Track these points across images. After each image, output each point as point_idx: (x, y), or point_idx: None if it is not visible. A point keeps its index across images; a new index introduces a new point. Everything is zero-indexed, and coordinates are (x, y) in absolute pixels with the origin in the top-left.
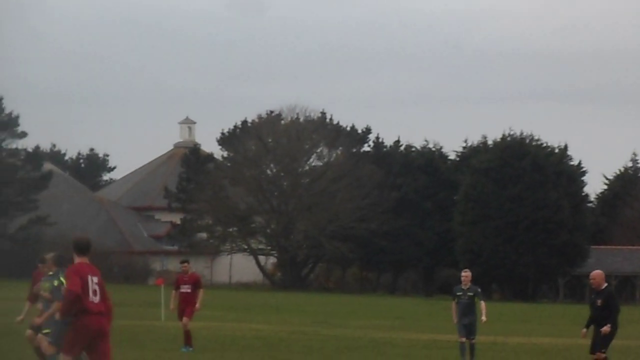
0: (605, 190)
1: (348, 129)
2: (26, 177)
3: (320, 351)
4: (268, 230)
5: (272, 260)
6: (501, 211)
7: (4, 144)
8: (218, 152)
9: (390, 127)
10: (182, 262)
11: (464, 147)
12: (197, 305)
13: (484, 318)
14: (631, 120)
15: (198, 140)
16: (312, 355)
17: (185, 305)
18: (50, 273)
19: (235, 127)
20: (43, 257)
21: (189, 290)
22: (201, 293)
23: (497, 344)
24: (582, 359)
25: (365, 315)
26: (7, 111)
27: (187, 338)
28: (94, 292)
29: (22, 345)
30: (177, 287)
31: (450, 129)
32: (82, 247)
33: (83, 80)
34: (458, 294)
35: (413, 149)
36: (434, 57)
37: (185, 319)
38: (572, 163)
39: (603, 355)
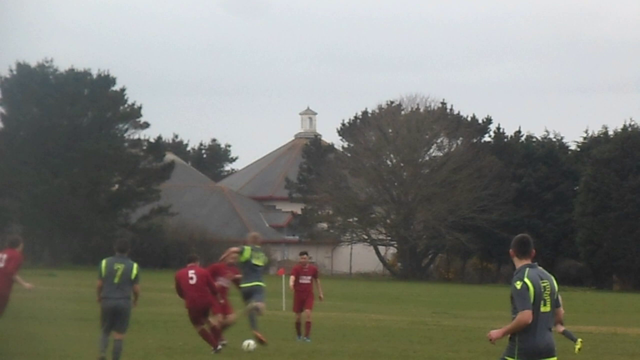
0: None
1: (468, 119)
2: (148, 168)
3: (441, 341)
4: (388, 221)
5: (392, 250)
6: (622, 202)
7: (126, 135)
8: (338, 143)
9: (511, 118)
10: (302, 253)
11: (585, 138)
12: (322, 295)
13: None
14: None
15: (319, 130)
16: (433, 346)
17: (306, 296)
18: None
19: (356, 117)
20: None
21: (308, 282)
22: (320, 283)
23: (617, 334)
24: None
25: (486, 306)
26: (130, 102)
27: (307, 329)
28: None
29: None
30: (297, 278)
31: (571, 119)
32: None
33: (206, 71)
34: None
35: (534, 140)
36: (555, 47)
37: (307, 310)
38: None
39: None
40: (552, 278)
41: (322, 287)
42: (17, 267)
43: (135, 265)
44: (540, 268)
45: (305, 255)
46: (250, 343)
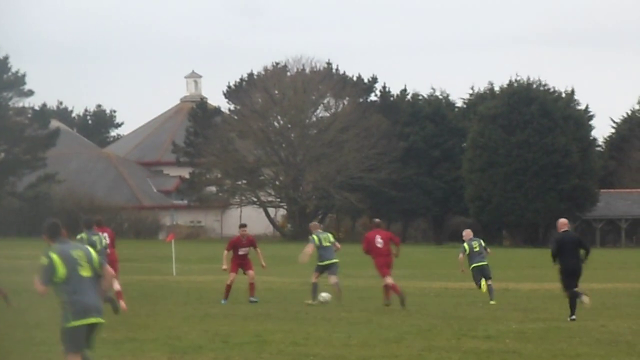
0: (613, 133)
1: (354, 79)
2: (34, 136)
3: (333, 301)
4: (277, 182)
5: (282, 212)
6: (509, 157)
7: (10, 103)
8: (225, 106)
9: (396, 76)
10: (241, 226)
11: (471, 94)
12: (264, 264)
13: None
14: (638, 62)
15: (205, 94)
16: (325, 306)
17: (245, 262)
18: None
19: (242, 79)
20: None
21: (246, 253)
22: (260, 252)
23: (509, 290)
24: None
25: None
26: (13, 70)
27: (252, 289)
28: None
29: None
30: (235, 250)
31: (457, 76)
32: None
33: (89, 37)
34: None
35: (420, 98)
36: (438, 3)
37: (250, 272)
38: (579, 107)
39: None
40: (88, 248)
41: (263, 256)
42: None
43: (103, 239)
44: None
45: (245, 228)
46: (325, 295)
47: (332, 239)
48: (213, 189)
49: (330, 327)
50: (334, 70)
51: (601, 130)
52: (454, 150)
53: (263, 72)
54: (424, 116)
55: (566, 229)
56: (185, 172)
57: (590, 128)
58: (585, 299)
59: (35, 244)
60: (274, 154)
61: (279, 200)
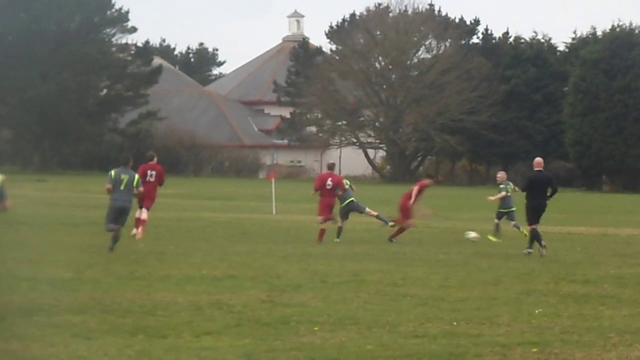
0: None
1: (457, 20)
2: (136, 72)
3: (431, 243)
4: (377, 124)
5: (381, 153)
6: (610, 102)
7: (113, 39)
8: (327, 46)
9: (499, 19)
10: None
11: (573, 39)
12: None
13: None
14: None
15: (306, 33)
16: (423, 247)
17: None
18: None
19: (344, 20)
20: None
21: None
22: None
23: (607, 235)
24: None
25: (475, 208)
26: (117, 6)
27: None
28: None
29: (133, 240)
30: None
31: (560, 20)
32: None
33: None
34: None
35: (522, 41)
36: None
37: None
38: None
39: None
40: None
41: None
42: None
43: (136, 176)
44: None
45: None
46: (474, 235)
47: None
48: (313, 129)
49: (427, 269)
50: (436, 12)
51: None
52: (555, 95)
53: (365, 13)
54: (526, 59)
55: (540, 168)
56: (286, 112)
57: None
58: (530, 249)
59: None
60: (375, 95)
61: (378, 141)
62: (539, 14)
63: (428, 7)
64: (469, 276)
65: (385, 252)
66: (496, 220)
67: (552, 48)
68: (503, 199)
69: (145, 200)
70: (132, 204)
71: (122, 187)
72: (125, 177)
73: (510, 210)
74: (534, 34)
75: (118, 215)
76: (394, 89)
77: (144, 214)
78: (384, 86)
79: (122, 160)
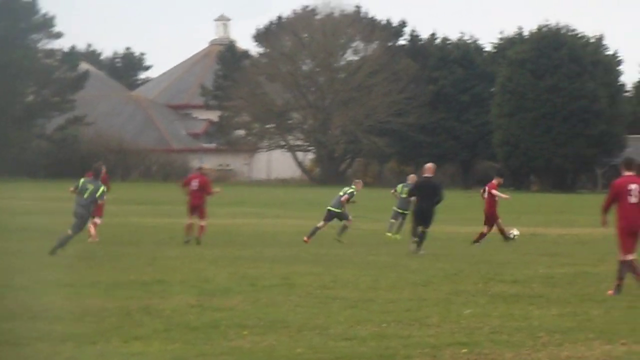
0: None
1: (383, 22)
2: (63, 78)
3: (360, 245)
4: (305, 126)
5: (310, 155)
6: (538, 102)
7: (39, 45)
8: (254, 49)
9: (425, 20)
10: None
11: (500, 39)
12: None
13: None
14: None
15: (233, 37)
16: (353, 249)
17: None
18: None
19: (271, 23)
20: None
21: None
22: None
23: (537, 235)
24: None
25: None
26: (42, 12)
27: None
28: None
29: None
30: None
31: (486, 20)
32: None
33: None
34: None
35: (449, 42)
36: None
37: None
38: (608, 52)
39: None
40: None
41: None
42: None
43: (101, 188)
44: None
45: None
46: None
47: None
48: (242, 132)
49: (357, 271)
50: (362, 14)
51: (630, 75)
52: (482, 95)
53: (292, 16)
54: (453, 60)
55: (428, 174)
56: (214, 116)
57: (619, 73)
58: (412, 246)
59: (63, 185)
60: (302, 98)
61: (307, 144)
62: (465, 15)
63: (355, 9)
64: (398, 278)
65: (315, 255)
66: (392, 220)
67: (479, 49)
68: (400, 199)
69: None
70: (89, 212)
71: (85, 196)
72: (90, 187)
73: (405, 212)
74: (460, 35)
75: (79, 222)
76: (322, 91)
77: (97, 221)
78: (312, 89)
79: (93, 172)
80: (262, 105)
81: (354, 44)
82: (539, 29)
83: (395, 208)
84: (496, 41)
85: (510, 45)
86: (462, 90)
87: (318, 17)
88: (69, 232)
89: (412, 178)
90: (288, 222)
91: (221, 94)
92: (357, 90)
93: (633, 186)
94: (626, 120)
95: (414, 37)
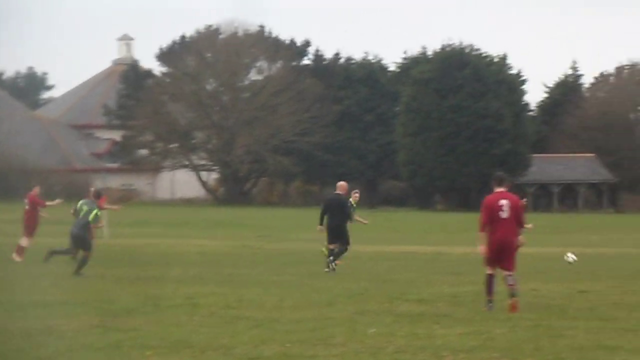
0: (546, 98)
1: (287, 42)
2: None
3: (265, 265)
4: (209, 146)
5: (214, 175)
6: (442, 122)
7: None
8: (157, 68)
9: (330, 40)
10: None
11: (404, 59)
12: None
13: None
14: (572, 28)
15: (137, 56)
16: (257, 269)
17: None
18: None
19: (174, 42)
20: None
21: None
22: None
23: (442, 254)
24: (526, 267)
25: (310, 229)
26: None
27: None
28: None
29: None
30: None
31: (390, 40)
32: None
33: None
34: None
35: (353, 62)
36: None
37: None
38: (512, 72)
39: None
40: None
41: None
42: None
43: (94, 211)
44: None
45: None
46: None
47: None
48: (145, 151)
49: (262, 290)
50: (266, 34)
51: (534, 95)
52: (387, 114)
53: (195, 35)
54: (357, 80)
55: (339, 192)
56: (117, 135)
57: (523, 93)
58: (332, 265)
59: None
60: (206, 117)
61: (211, 163)
62: (369, 34)
63: (258, 28)
64: (303, 297)
65: (219, 275)
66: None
67: (383, 68)
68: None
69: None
70: (86, 232)
71: (79, 217)
72: (84, 209)
73: None
74: (364, 54)
75: (72, 242)
76: (226, 111)
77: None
78: (216, 108)
79: (93, 194)
80: (165, 124)
81: (258, 64)
82: (443, 48)
83: None
84: (400, 61)
85: (414, 64)
86: (367, 110)
87: (222, 36)
88: (73, 252)
89: (356, 196)
90: (192, 242)
91: (124, 114)
92: (262, 109)
93: (504, 202)
94: (530, 139)
95: (318, 57)
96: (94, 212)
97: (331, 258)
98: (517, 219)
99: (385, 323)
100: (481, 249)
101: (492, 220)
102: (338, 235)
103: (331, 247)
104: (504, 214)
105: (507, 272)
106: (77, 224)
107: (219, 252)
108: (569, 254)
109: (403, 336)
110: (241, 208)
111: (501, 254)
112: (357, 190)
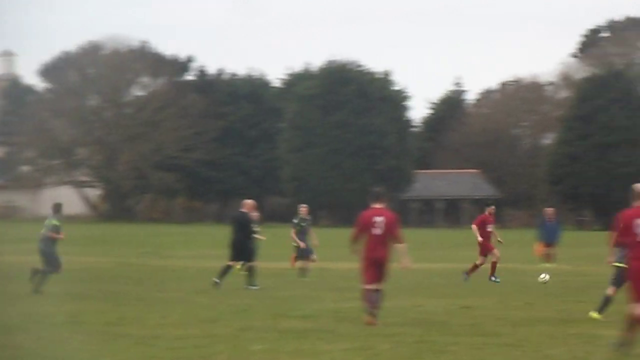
0: (430, 114)
1: (170, 58)
2: None
3: (149, 281)
4: (92, 162)
5: (97, 192)
6: (326, 138)
7: None
8: (39, 84)
9: (213, 56)
10: (489, 204)
11: (289, 75)
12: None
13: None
14: (454, 43)
15: (19, 72)
16: (141, 286)
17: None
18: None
19: (57, 58)
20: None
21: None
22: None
23: (326, 269)
24: (410, 282)
25: (194, 245)
26: None
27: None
28: None
29: None
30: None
31: (274, 56)
32: None
33: None
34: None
35: (237, 77)
36: None
37: (494, 251)
38: (396, 88)
39: None
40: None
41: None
42: None
43: (53, 221)
44: None
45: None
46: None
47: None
48: (27, 168)
49: (145, 307)
50: (149, 49)
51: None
52: (271, 131)
53: (78, 51)
54: (241, 96)
55: (243, 209)
56: None
57: (407, 109)
58: (217, 281)
59: None
60: (89, 133)
61: (94, 180)
62: (253, 51)
63: (141, 44)
64: (187, 314)
65: (102, 292)
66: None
67: (267, 84)
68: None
69: None
70: (50, 247)
71: (42, 230)
72: (47, 223)
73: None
74: (248, 70)
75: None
76: (109, 127)
77: None
78: (99, 124)
79: (53, 208)
80: (47, 140)
81: (141, 79)
82: (327, 64)
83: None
84: (284, 77)
85: (298, 81)
86: (251, 126)
87: (104, 52)
88: (46, 268)
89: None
90: (74, 259)
91: (6, 130)
92: (145, 125)
93: (378, 219)
94: (414, 155)
95: (202, 73)
96: (52, 222)
97: (218, 279)
98: (391, 236)
99: (270, 339)
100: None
101: (365, 235)
102: (242, 252)
103: (237, 266)
104: (377, 231)
105: (374, 287)
106: (40, 238)
107: (102, 268)
108: (543, 275)
109: (288, 352)
110: (124, 224)
111: (372, 269)
112: (304, 206)
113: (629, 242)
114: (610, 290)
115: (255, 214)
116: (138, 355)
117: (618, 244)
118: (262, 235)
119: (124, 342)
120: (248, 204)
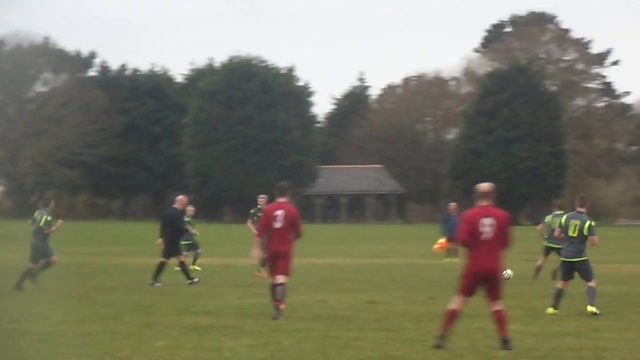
0: (334, 110)
1: (73, 54)
2: None
3: (51, 279)
4: None
5: (0, 188)
6: (230, 133)
7: None
8: None
9: (116, 52)
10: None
11: (191, 70)
12: None
13: None
14: (357, 40)
15: None
16: (43, 283)
17: None
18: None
19: None
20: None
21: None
22: None
23: (230, 266)
24: (315, 277)
25: (97, 242)
26: None
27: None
28: None
29: None
30: None
31: (177, 52)
32: None
33: None
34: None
35: (139, 73)
36: None
37: None
38: (299, 84)
39: None
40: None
41: None
42: None
43: (44, 217)
44: None
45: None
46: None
47: None
48: None
49: (47, 304)
50: (51, 45)
51: (322, 106)
52: (174, 126)
53: None
54: (144, 92)
55: (177, 206)
56: None
57: (311, 104)
58: (157, 284)
59: None
60: None
61: None
62: (156, 46)
63: (43, 40)
64: (90, 311)
65: (3, 288)
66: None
67: (170, 80)
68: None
69: None
70: (42, 242)
71: (34, 227)
72: (37, 217)
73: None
74: (151, 66)
75: (33, 252)
76: (12, 123)
77: None
78: (1, 120)
79: (41, 201)
80: None
81: (44, 75)
82: (230, 60)
83: (546, 243)
84: (187, 72)
85: (201, 76)
86: (154, 122)
87: (7, 48)
88: (30, 264)
89: (263, 201)
90: None
91: None
92: (48, 121)
93: (279, 212)
94: (318, 150)
95: (104, 68)
96: (44, 217)
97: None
98: (292, 229)
99: (173, 336)
100: (253, 252)
101: (268, 229)
102: (172, 249)
103: (163, 260)
104: (277, 224)
105: (279, 279)
106: (33, 234)
107: (4, 266)
108: (508, 270)
109: (190, 348)
110: (27, 221)
111: (275, 262)
112: (263, 196)
113: (475, 241)
114: (560, 284)
115: (190, 209)
116: (41, 352)
117: (463, 244)
118: (195, 230)
119: (27, 339)
120: (180, 200)
